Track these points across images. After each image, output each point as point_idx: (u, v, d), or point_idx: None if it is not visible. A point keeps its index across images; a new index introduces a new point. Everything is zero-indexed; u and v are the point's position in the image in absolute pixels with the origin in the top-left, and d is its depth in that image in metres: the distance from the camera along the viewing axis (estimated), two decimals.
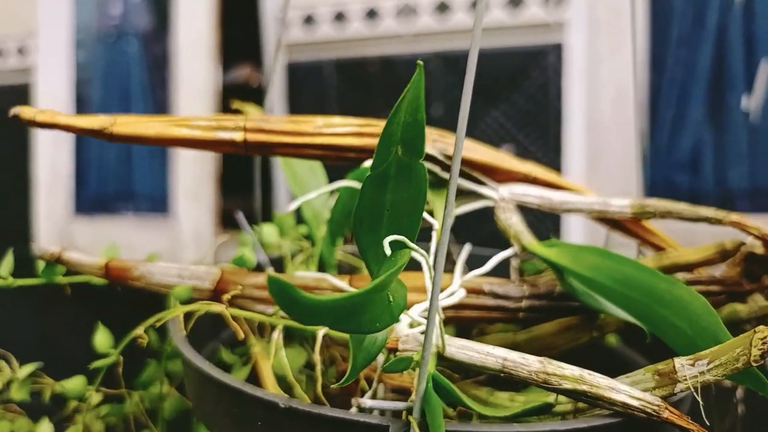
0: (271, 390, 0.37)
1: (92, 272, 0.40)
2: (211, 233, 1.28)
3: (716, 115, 1.10)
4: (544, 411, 0.28)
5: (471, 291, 0.37)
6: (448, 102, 1.19)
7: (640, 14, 1.12)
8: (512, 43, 1.16)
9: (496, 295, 0.36)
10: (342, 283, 0.36)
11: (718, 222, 0.39)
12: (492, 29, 1.16)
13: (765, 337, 0.24)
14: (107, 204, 1.41)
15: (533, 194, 0.38)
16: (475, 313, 0.37)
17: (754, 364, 0.25)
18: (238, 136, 0.35)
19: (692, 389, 0.26)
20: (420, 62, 0.24)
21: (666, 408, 0.26)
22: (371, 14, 1.22)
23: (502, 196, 0.38)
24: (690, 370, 0.27)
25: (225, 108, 1.29)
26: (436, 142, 0.37)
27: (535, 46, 1.15)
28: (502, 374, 0.29)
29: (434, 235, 0.34)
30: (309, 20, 1.26)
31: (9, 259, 0.40)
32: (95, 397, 0.43)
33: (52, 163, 1.39)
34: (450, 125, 1.11)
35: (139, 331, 0.38)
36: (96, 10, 1.43)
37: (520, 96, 1.16)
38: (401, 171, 0.27)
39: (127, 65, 1.40)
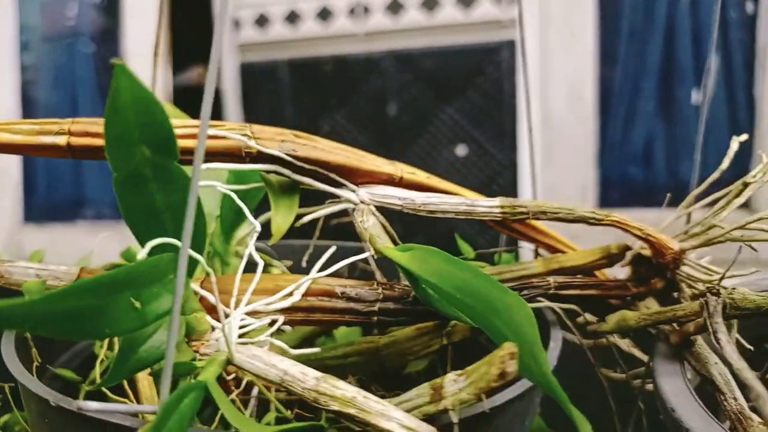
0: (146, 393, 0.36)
1: None
2: None
3: (667, 109, 1.12)
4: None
5: (322, 293, 0.35)
6: (403, 100, 1.19)
7: (591, 8, 1.13)
8: (466, 40, 1.16)
9: (348, 298, 0.35)
10: (197, 286, 0.34)
11: (597, 222, 0.37)
12: (445, 26, 1.15)
13: (504, 356, 0.23)
14: (58, 211, 1.37)
15: (395, 195, 0.37)
16: (326, 316, 0.35)
17: (495, 384, 0.24)
18: (62, 140, 0.34)
19: (450, 408, 0.26)
20: (118, 62, 0.23)
21: None
22: (324, 13, 1.21)
23: (361, 198, 0.37)
24: (452, 386, 0.25)
25: (178, 107, 1.26)
26: (285, 142, 0.36)
27: (488, 43, 1.15)
28: (281, 388, 0.28)
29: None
30: (262, 20, 1.24)
31: None
32: None
33: (0, 169, 1.35)
34: (405, 123, 1.11)
35: None
36: (42, 11, 1.39)
37: (475, 93, 1.16)
38: (160, 172, 0.26)
39: (76, 66, 1.37)
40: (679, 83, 1.11)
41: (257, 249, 0.54)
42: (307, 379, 0.28)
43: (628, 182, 1.14)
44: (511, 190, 1.16)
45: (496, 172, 1.17)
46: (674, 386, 0.32)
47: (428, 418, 0.26)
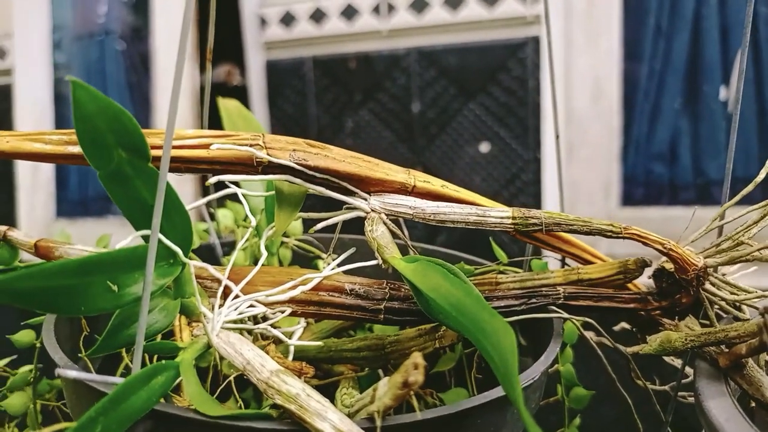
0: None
1: (27, 250, 0.43)
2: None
3: (693, 106, 1.11)
4: (260, 419, 0.28)
5: (333, 289, 0.37)
6: (426, 97, 1.19)
7: (616, 3, 1.12)
8: (489, 37, 1.16)
9: (357, 295, 0.36)
10: (219, 273, 0.37)
11: (615, 235, 0.36)
12: (469, 23, 1.16)
13: (409, 366, 0.24)
14: (89, 206, 1.40)
15: (406, 204, 0.38)
16: (336, 311, 0.37)
17: (401, 392, 0.25)
18: None
19: (376, 413, 0.27)
20: (72, 79, 0.26)
21: None
22: (349, 11, 1.21)
23: (372, 206, 0.38)
24: (381, 390, 0.27)
25: (204, 105, 1.28)
26: (296, 151, 0.36)
27: (512, 39, 1.15)
28: (244, 376, 0.30)
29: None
30: (287, 18, 1.25)
31: None
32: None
33: (32, 167, 1.39)
34: (429, 120, 1.11)
35: None
36: (74, 10, 1.42)
37: (498, 90, 1.16)
38: (139, 171, 0.29)
39: (106, 64, 1.40)
40: (706, 79, 1.10)
41: (307, 242, 0.56)
42: (263, 370, 0.30)
43: (653, 179, 1.13)
44: (534, 186, 1.16)
45: (520, 169, 1.17)
46: (725, 411, 0.31)
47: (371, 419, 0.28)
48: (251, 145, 0.36)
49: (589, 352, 0.44)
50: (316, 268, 0.55)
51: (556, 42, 1.14)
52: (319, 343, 0.40)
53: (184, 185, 1.25)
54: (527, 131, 1.16)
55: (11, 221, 1.42)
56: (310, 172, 0.36)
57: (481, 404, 0.31)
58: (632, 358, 0.41)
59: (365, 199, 0.38)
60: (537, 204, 1.16)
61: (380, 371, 0.42)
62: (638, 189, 1.14)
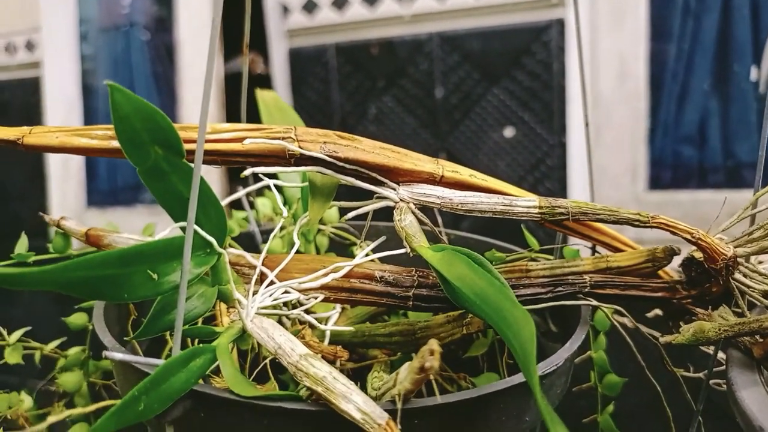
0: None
1: (78, 238, 0.45)
2: None
3: (723, 86, 1.09)
4: (290, 400, 0.29)
5: (364, 276, 0.38)
6: (450, 82, 1.19)
7: None
8: (513, 20, 1.15)
9: (386, 282, 0.37)
10: (255, 260, 0.38)
11: (643, 224, 0.36)
12: (492, 7, 1.15)
13: (425, 352, 0.25)
14: (119, 196, 1.43)
15: (434, 194, 0.38)
16: (366, 297, 0.38)
17: (418, 376, 0.26)
18: None
19: (397, 396, 0.28)
20: (110, 83, 0.27)
21: (385, 427, 0.27)
22: None
23: (401, 196, 0.38)
24: (402, 375, 0.28)
25: (228, 95, 1.30)
26: (327, 144, 0.37)
27: (536, 22, 1.13)
28: (276, 358, 0.32)
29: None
30: (309, 5, 1.25)
31: (24, 240, 0.46)
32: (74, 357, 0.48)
33: (63, 158, 1.42)
34: (453, 105, 1.11)
35: None
36: (99, 2, 1.44)
37: (523, 74, 1.15)
38: (175, 167, 0.31)
39: (132, 55, 1.41)
40: (737, 59, 1.08)
41: (343, 229, 0.58)
42: (293, 354, 0.31)
43: (681, 162, 1.12)
44: (560, 171, 1.15)
45: (545, 154, 1.16)
46: (758, 401, 0.31)
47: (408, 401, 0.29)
48: (283, 138, 0.36)
49: (617, 338, 0.44)
50: (351, 254, 0.56)
51: (581, 22, 1.12)
52: (351, 328, 0.41)
53: (210, 173, 1.27)
54: (552, 116, 1.15)
55: (44, 211, 1.46)
56: (341, 164, 0.37)
57: (504, 389, 0.31)
58: (663, 347, 0.41)
59: (394, 189, 0.38)
60: (563, 189, 1.15)
61: (413, 355, 0.43)
62: (666, 172, 1.12)
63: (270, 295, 0.36)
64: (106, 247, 0.44)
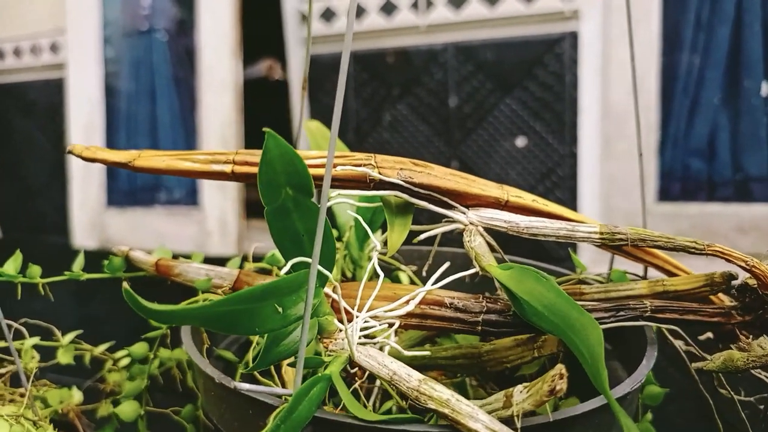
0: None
1: (147, 268, 0.48)
2: (236, 222, 1.32)
3: (734, 101, 1.10)
4: (413, 422, 0.31)
5: (434, 303, 0.39)
6: (463, 92, 1.21)
7: None
8: (527, 32, 1.17)
9: (456, 309, 0.39)
10: (333, 293, 0.39)
11: (698, 252, 0.36)
12: (507, 18, 1.17)
13: (554, 376, 0.26)
14: (137, 196, 1.47)
15: (500, 218, 0.40)
16: (436, 323, 0.39)
17: (546, 399, 0.27)
18: (227, 168, 0.40)
19: (516, 417, 0.29)
20: (267, 130, 0.30)
21: None
22: (388, 7, 1.24)
23: (470, 219, 0.40)
24: (518, 396, 0.29)
25: (247, 101, 1.33)
26: (403, 170, 0.40)
27: (549, 34, 1.15)
28: (391, 385, 0.33)
29: (374, 255, 0.40)
30: (328, 13, 1.28)
31: (80, 258, 0.48)
32: (124, 360, 0.51)
33: None
34: (466, 114, 1.13)
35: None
36: (123, 6, 1.47)
37: (535, 85, 1.17)
38: (299, 206, 0.33)
39: (153, 59, 1.45)
40: (748, 74, 1.09)
41: (383, 253, 0.60)
42: (411, 380, 0.33)
43: (690, 175, 1.13)
44: (570, 180, 1.17)
45: (556, 164, 1.18)
46: None
47: (503, 421, 0.30)
48: (365, 165, 0.39)
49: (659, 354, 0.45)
50: (397, 279, 0.58)
51: (593, 35, 1.14)
52: (427, 352, 0.42)
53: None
54: (564, 126, 1.17)
55: (65, 210, 1.49)
56: (416, 189, 0.40)
57: (601, 406, 0.33)
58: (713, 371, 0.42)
59: (464, 213, 0.41)
60: (573, 198, 1.16)
61: (467, 379, 0.45)
62: (675, 184, 1.14)
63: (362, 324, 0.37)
64: (176, 277, 0.46)
